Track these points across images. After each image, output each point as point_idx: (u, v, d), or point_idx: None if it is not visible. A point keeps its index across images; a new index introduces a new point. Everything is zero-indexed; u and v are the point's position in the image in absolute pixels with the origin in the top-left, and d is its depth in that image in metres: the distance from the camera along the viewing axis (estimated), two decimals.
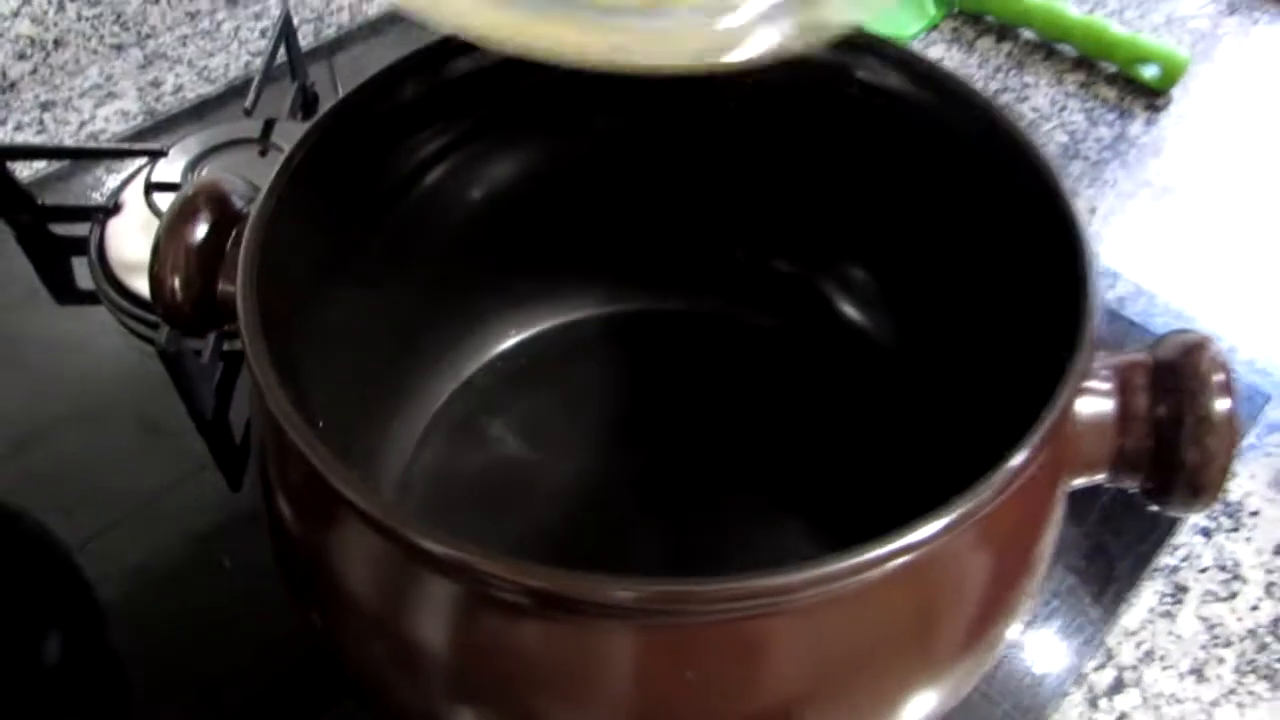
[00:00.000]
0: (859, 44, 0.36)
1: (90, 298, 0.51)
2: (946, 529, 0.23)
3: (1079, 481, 0.30)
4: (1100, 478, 0.29)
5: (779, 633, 0.25)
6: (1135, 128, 0.61)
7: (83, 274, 0.51)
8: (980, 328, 0.37)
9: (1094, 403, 0.28)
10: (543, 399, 0.43)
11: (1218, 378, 0.27)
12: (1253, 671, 0.40)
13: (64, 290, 0.52)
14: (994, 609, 0.28)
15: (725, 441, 0.42)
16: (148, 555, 0.43)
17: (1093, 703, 0.39)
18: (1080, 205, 0.56)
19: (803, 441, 0.42)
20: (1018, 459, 0.24)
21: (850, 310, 0.44)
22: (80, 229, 0.52)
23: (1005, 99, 0.63)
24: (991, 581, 0.28)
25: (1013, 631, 0.29)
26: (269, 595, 0.32)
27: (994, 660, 0.29)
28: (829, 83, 0.38)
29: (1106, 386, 0.28)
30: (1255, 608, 0.42)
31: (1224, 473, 0.28)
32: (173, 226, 0.31)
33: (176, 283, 0.31)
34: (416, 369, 0.42)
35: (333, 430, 0.29)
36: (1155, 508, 0.30)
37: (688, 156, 0.43)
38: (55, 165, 0.57)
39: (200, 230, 0.32)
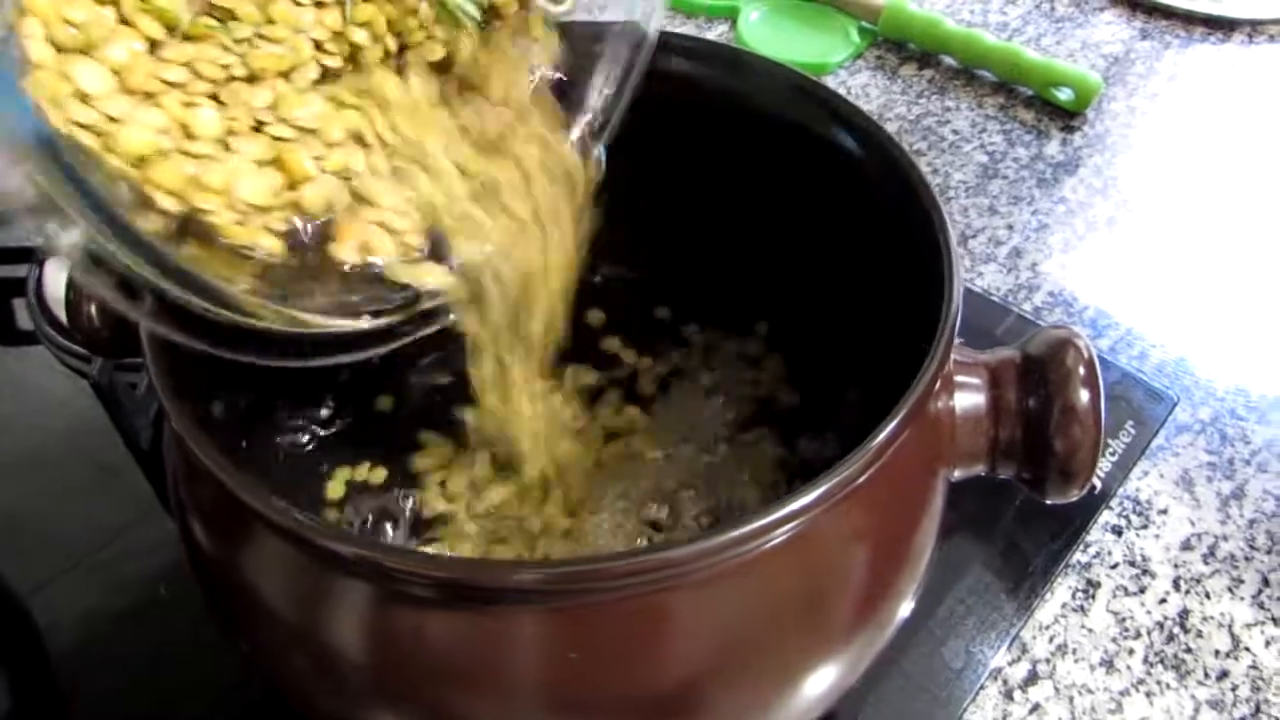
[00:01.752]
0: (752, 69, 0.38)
1: (30, 338, 0.51)
2: (819, 500, 0.25)
3: (961, 472, 0.31)
4: (980, 468, 0.31)
5: (680, 605, 0.26)
6: (1051, 148, 0.63)
7: (23, 315, 0.52)
8: (871, 333, 0.38)
9: (967, 397, 0.30)
10: None
11: (1081, 371, 0.29)
12: (1161, 662, 0.41)
13: (4, 331, 0.53)
14: (879, 587, 0.29)
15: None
16: (102, 598, 0.43)
17: (1008, 694, 0.40)
18: (998, 222, 0.58)
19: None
20: (880, 437, 0.25)
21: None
22: (20, 270, 0.53)
23: (927, 122, 0.65)
24: (873, 560, 0.29)
25: (901, 611, 0.30)
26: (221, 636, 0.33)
27: (886, 639, 0.30)
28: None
29: (978, 381, 0.30)
30: (1163, 600, 0.43)
31: (1091, 459, 0.29)
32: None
33: (93, 309, 0.33)
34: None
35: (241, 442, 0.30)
36: (1037, 497, 0.31)
37: None
38: None
39: None
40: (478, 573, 0.24)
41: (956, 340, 0.29)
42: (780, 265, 0.42)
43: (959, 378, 0.30)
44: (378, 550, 0.24)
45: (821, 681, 0.29)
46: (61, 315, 0.50)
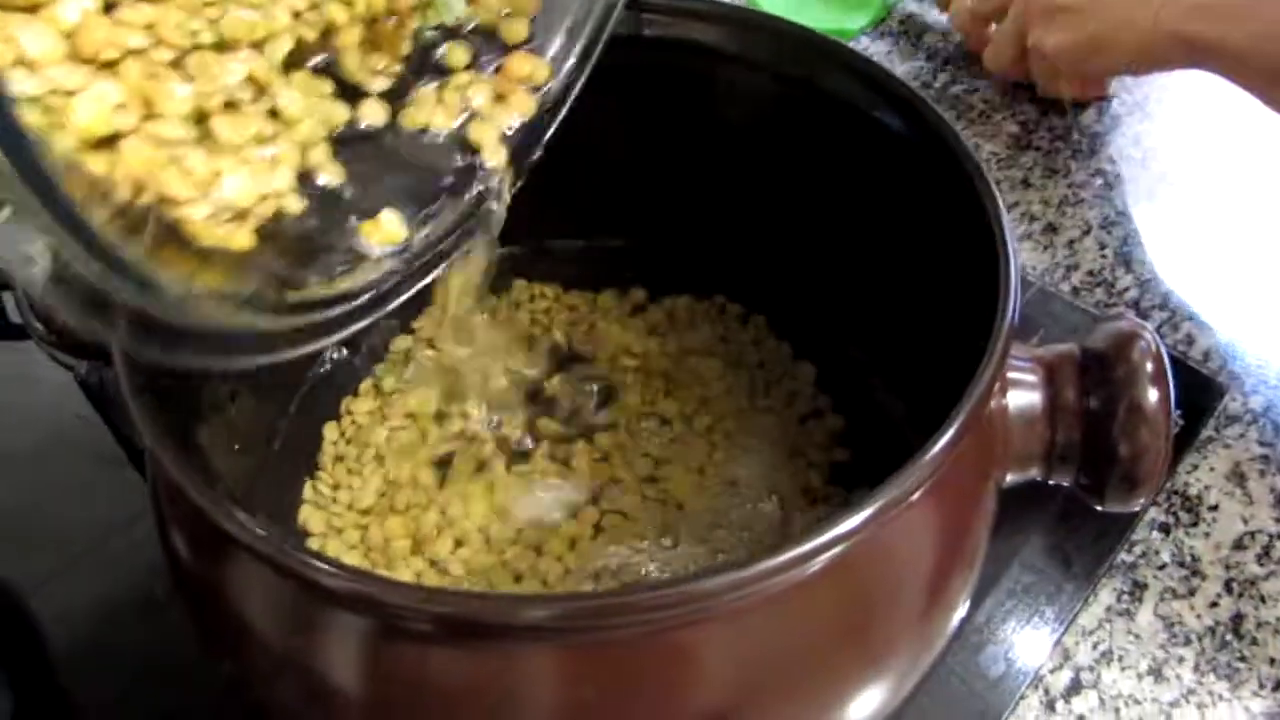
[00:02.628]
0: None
1: (20, 332, 0.49)
2: (867, 522, 0.22)
3: (1013, 477, 0.28)
4: (1034, 473, 0.28)
5: (708, 639, 0.24)
6: (1087, 116, 0.60)
7: (13, 309, 0.50)
8: (919, 328, 0.35)
9: (1021, 396, 0.27)
10: None
11: (1149, 367, 0.26)
12: (1213, 671, 0.39)
13: None
14: (928, 605, 0.27)
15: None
16: (105, 593, 0.41)
17: (1049, 705, 0.38)
18: (1032, 196, 0.55)
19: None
20: (932, 452, 0.23)
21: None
22: None
23: (955, 91, 0.62)
24: (923, 575, 0.27)
25: (949, 627, 0.28)
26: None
27: (934, 658, 0.28)
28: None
29: (1033, 379, 0.27)
30: (1215, 604, 0.40)
31: (1160, 464, 0.27)
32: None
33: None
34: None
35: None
36: (1095, 504, 0.29)
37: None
38: None
39: None
40: (480, 609, 0.22)
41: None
42: (799, 246, 0.39)
43: (1013, 375, 0.27)
44: (371, 584, 0.21)
45: (863, 708, 0.26)
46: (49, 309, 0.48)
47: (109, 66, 0.23)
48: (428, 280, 0.29)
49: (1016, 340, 0.28)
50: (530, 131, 0.31)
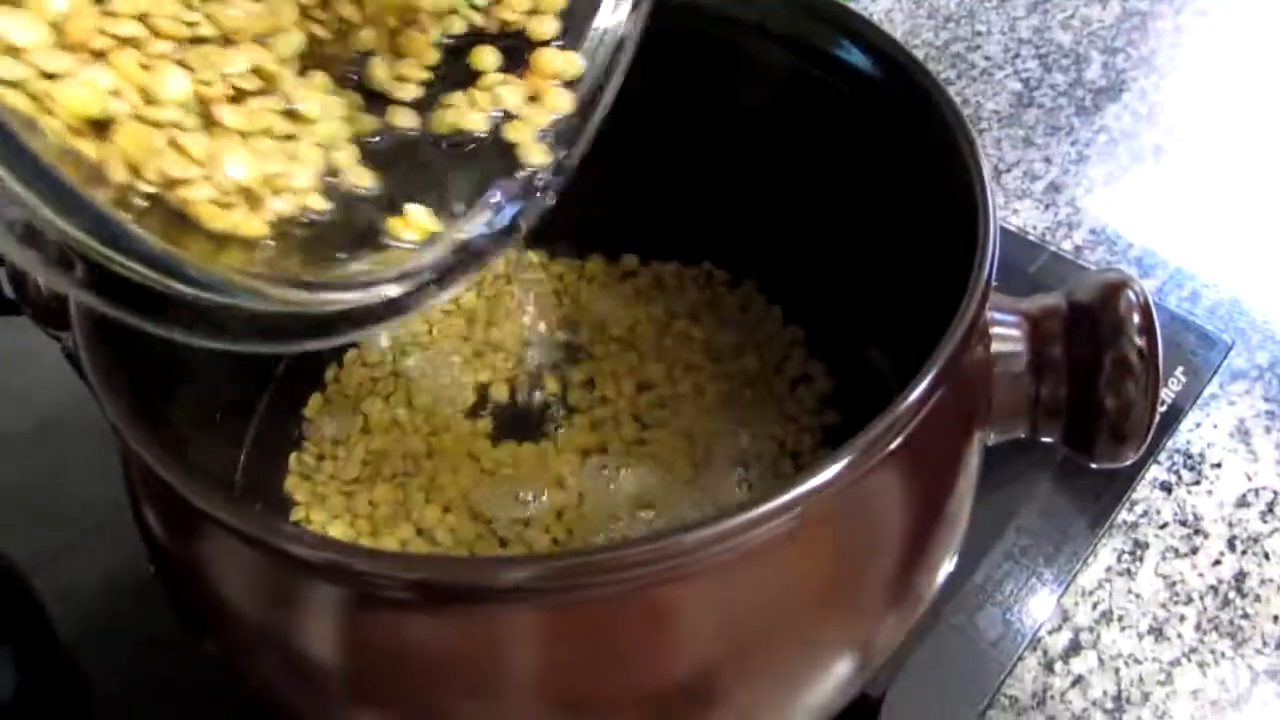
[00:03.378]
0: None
1: (12, 308, 0.49)
2: (842, 473, 0.22)
3: (999, 434, 0.28)
4: (1020, 430, 0.28)
5: (688, 595, 0.23)
6: (1092, 72, 0.59)
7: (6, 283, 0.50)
8: (908, 288, 0.35)
9: (1006, 349, 0.27)
10: None
11: (1136, 319, 0.26)
12: (1215, 629, 0.38)
13: None
14: (909, 564, 0.26)
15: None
16: (108, 568, 0.41)
17: (1048, 666, 0.37)
18: (1034, 155, 0.54)
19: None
20: (909, 400, 0.22)
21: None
22: None
23: (956, 49, 0.61)
24: (903, 535, 0.26)
25: (933, 588, 0.27)
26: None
27: (918, 616, 0.27)
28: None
29: (1018, 333, 0.27)
30: (1217, 563, 0.40)
31: (1148, 419, 0.26)
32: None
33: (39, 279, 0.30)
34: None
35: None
36: (1084, 461, 0.28)
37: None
38: None
39: None
40: (457, 573, 0.21)
41: (992, 285, 0.25)
42: (785, 208, 0.38)
43: (996, 329, 0.26)
44: (344, 552, 0.21)
45: (848, 664, 0.26)
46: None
47: (101, 56, 0.22)
48: (462, 284, 0.28)
49: (1003, 293, 0.28)
50: (570, 128, 0.30)
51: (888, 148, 0.32)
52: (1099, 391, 0.26)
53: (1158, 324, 0.26)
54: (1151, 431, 0.27)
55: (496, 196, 0.29)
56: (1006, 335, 0.27)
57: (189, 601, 0.28)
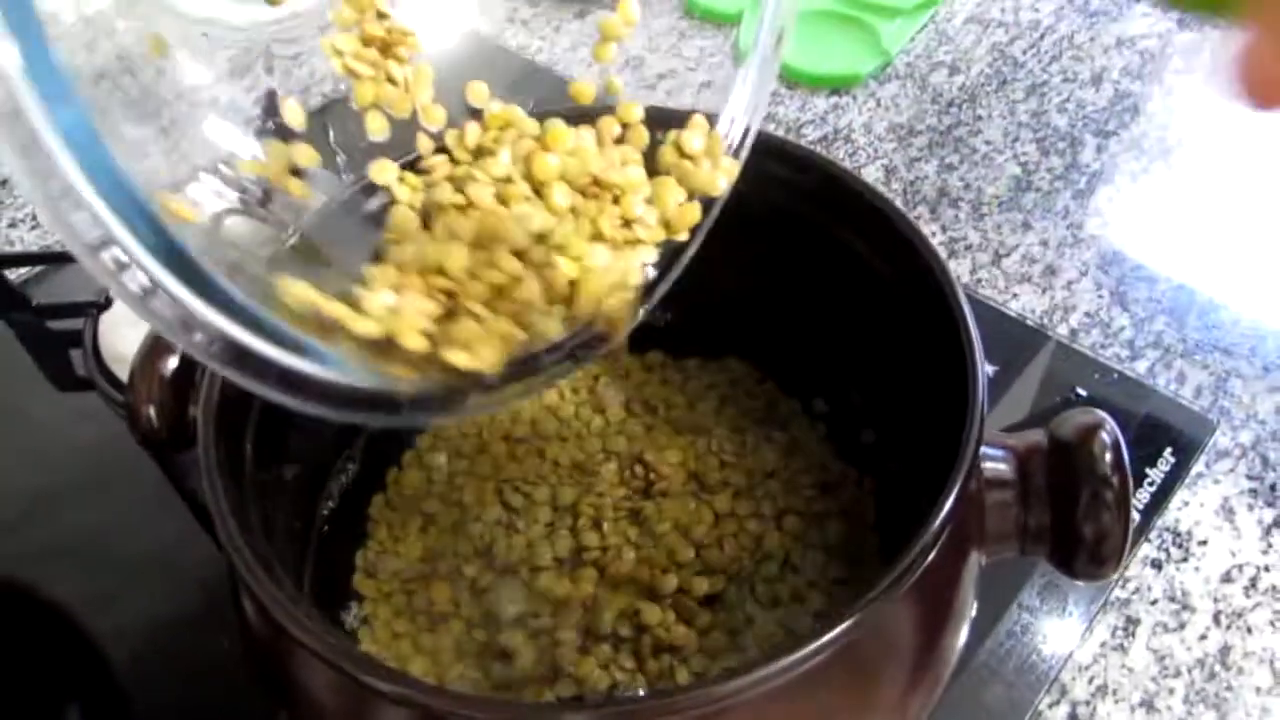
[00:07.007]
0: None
1: (88, 384, 0.53)
2: (855, 624, 0.26)
3: (993, 555, 0.32)
4: (1011, 550, 0.31)
5: None
6: (1086, 155, 0.63)
7: (79, 364, 0.54)
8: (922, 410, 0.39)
9: (997, 482, 0.30)
10: None
11: (1108, 458, 0.29)
12: (1202, 701, 0.42)
13: (63, 379, 0.55)
14: (917, 682, 0.30)
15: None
16: (161, 614, 0.45)
17: None
18: (1032, 239, 0.58)
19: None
20: (912, 554, 0.26)
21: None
22: (77, 323, 0.55)
23: (959, 133, 0.64)
24: (915, 647, 0.30)
25: (939, 687, 0.31)
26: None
27: (927, 711, 0.31)
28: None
29: (1005, 468, 0.30)
30: (1204, 637, 0.43)
31: (1121, 545, 0.30)
32: (145, 360, 0.34)
33: (152, 412, 0.34)
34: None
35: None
36: (1070, 578, 0.32)
37: None
38: None
39: (172, 362, 0.34)
40: (520, 716, 0.25)
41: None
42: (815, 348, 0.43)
43: (988, 465, 0.30)
44: (416, 689, 0.25)
45: None
46: (115, 368, 0.52)
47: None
48: (530, 394, 0.32)
49: (994, 430, 0.32)
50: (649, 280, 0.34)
51: (900, 309, 0.36)
52: (1078, 520, 0.30)
53: (1128, 461, 0.30)
54: (1124, 556, 0.30)
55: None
56: (997, 469, 0.30)
57: (270, 682, 0.31)
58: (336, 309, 0.27)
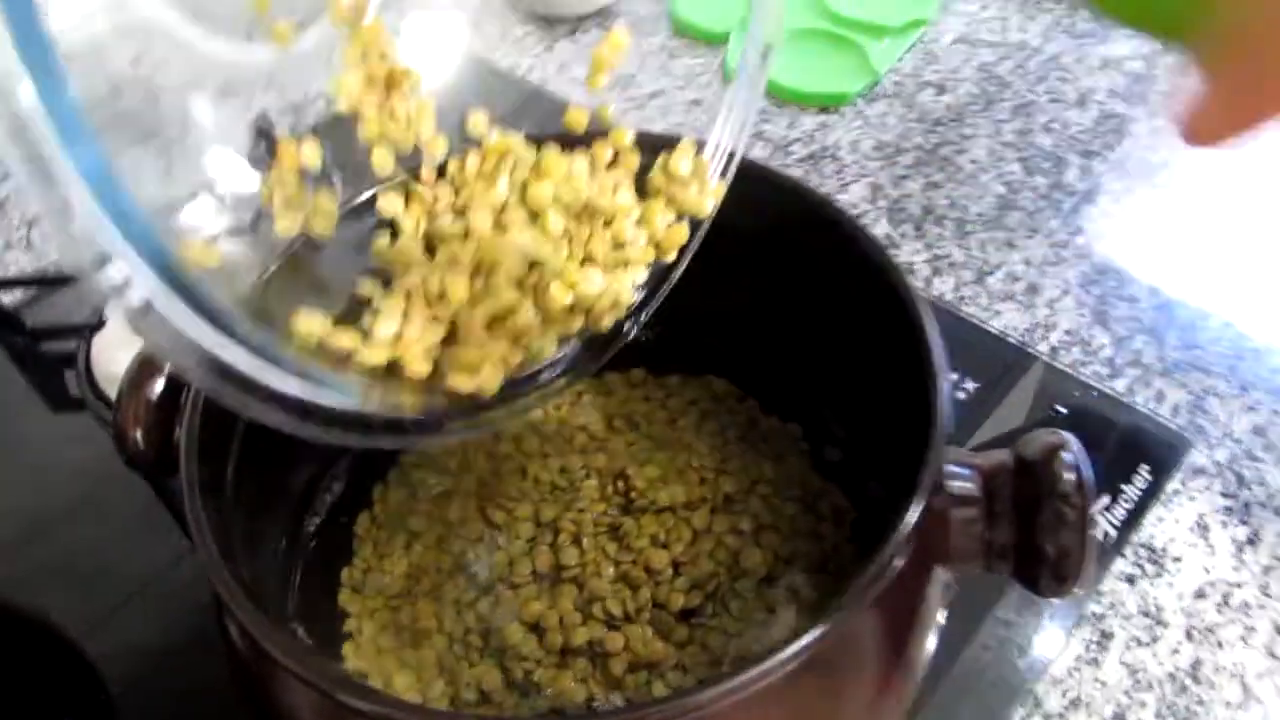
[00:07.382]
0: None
1: (81, 404, 0.54)
2: (826, 634, 0.26)
3: (958, 571, 0.32)
4: (976, 567, 0.32)
5: None
6: (1070, 175, 0.63)
7: (73, 384, 0.55)
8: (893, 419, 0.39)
9: (962, 500, 0.31)
10: None
11: (1069, 477, 0.30)
12: (1172, 715, 0.42)
13: (58, 400, 0.56)
14: (888, 681, 0.31)
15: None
16: (156, 632, 0.46)
17: None
18: (1015, 257, 0.59)
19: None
20: (876, 567, 0.27)
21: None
22: (70, 345, 0.56)
23: (945, 152, 0.65)
24: (882, 659, 0.31)
25: (907, 698, 0.32)
26: None
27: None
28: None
29: (971, 486, 0.31)
30: (1176, 651, 0.44)
31: (1081, 563, 0.30)
32: (132, 384, 0.35)
33: (138, 434, 0.35)
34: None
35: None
36: (1035, 594, 0.32)
37: None
38: None
39: (158, 386, 0.35)
40: None
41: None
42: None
43: (954, 483, 0.31)
44: (396, 709, 0.26)
45: None
46: (107, 389, 0.53)
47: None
48: (522, 414, 0.34)
49: (960, 449, 0.32)
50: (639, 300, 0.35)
51: (869, 329, 0.37)
52: (1040, 538, 0.30)
53: (1090, 482, 0.30)
54: (1085, 574, 0.31)
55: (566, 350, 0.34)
56: (964, 487, 0.31)
57: (257, 705, 0.32)
58: (347, 340, 0.28)
